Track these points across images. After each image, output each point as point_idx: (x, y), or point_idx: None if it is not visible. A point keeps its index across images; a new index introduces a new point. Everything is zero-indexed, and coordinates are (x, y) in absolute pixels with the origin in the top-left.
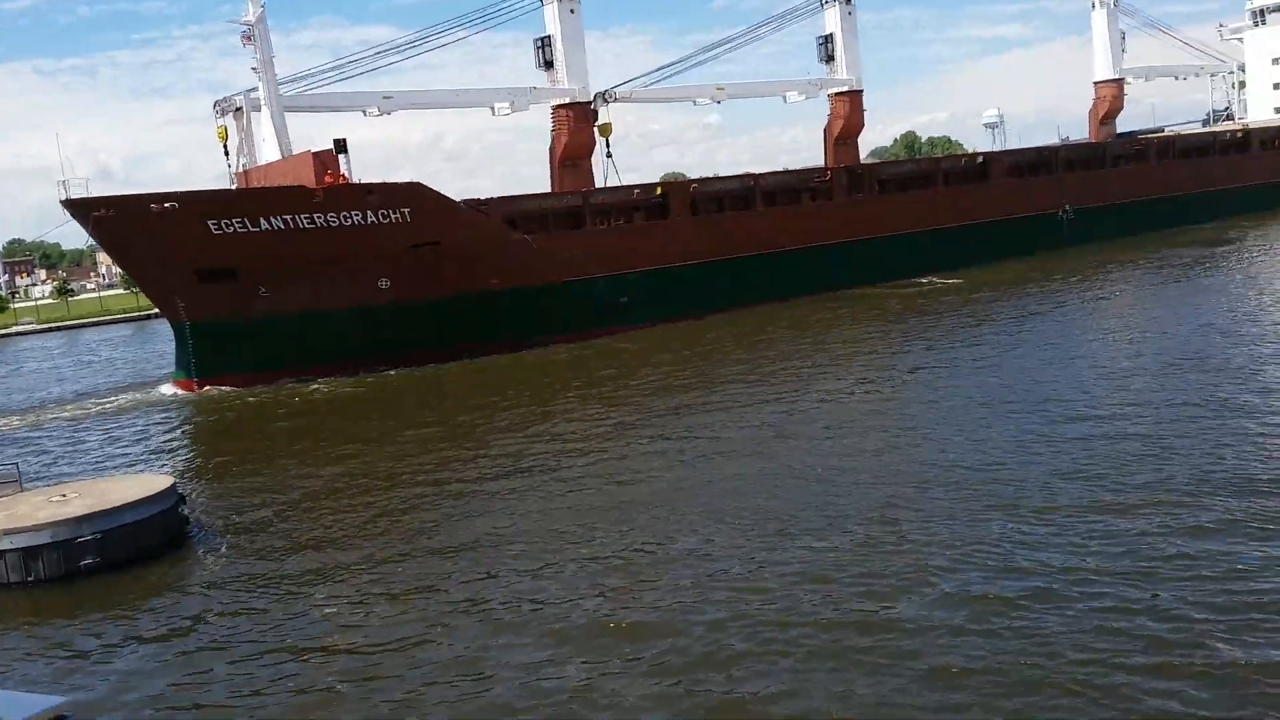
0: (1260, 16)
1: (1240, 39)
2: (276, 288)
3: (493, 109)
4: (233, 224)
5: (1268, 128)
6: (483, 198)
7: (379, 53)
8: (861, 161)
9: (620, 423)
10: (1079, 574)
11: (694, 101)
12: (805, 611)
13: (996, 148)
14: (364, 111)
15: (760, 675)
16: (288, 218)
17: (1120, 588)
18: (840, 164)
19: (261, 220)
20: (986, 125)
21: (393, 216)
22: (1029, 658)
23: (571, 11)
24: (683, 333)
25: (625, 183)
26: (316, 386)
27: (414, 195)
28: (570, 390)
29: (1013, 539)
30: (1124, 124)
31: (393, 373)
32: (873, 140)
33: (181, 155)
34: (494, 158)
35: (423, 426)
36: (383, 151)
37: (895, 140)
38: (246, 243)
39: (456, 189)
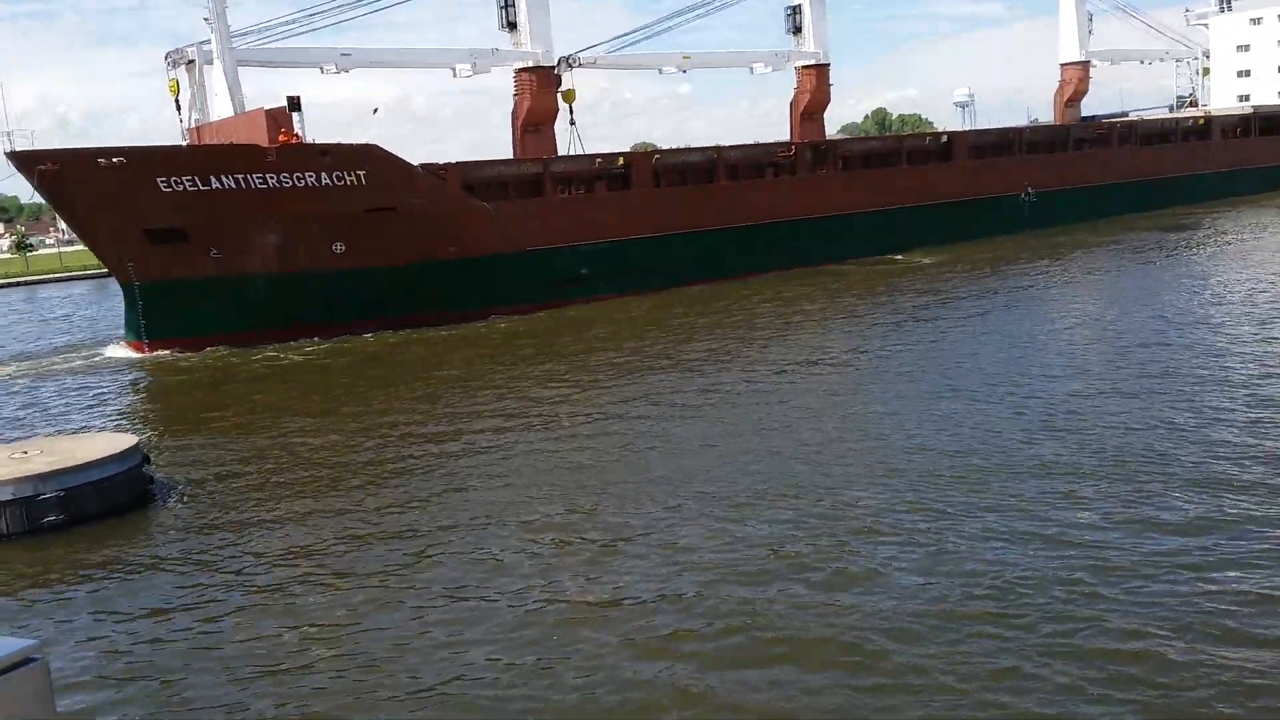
0: (1226, 2)
1: (1206, 24)
2: (229, 249)
3: (454, 70)
4: (183, 182)
5: (1229, 115)
6: (440, 162)
7: (339, 6)
8: (829, 137)
9: (585, 392)
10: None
11: (660, 70)
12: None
13: (967, 127)
14: (321, 68)
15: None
16: (240, 177)
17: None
18: (806, 139)
19: (213, 179)
20: (957, 104)
21: (348, 179)
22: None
23: None
24: (644, 306)
25: (591, 151)
26: (272, 352)
27: (369, 158)
28: (521, 364)
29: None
30: (1093, 108)
31: (349, 339)
32: (844, 116)
33: (143, 109)
34: (466, 121)
35: (375, 392)
36: (352, 111)
37: (866, 117)
38: (198, 202)
39: (425, 153)
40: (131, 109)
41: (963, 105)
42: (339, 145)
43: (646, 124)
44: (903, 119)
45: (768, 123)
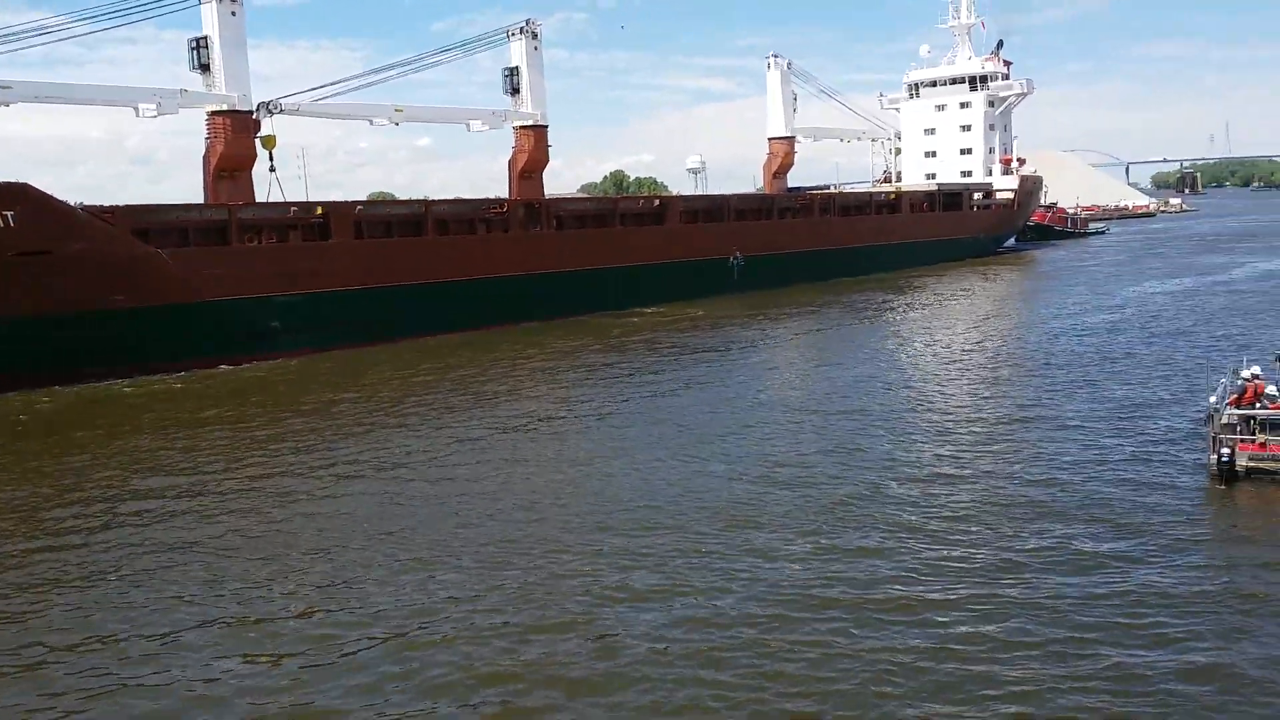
0: (915, 90)
1: (898, 109)
2: None
3: (136, 109)
4: None
5: (916, 191)
6: (107, 204)
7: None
8: (547, 195)
9: (255, 463)
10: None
11: (370, 121)
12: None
13: (698, 191)
14: None
15: None
16: None
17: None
18: (523, 197)
19: None
20: (689, 170)
21: None
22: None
23: (233, 14)
24: (335, 362)
25: (312, 199)
26: None
27: (19, 198)
28: (178, 424)
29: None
30: (810, 179)
31: None
32: (584, 175)
33: None
34: (188, 162)
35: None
36: (59, 146)
37: (605, 177)
38: None
39: (140, 194)
40: None
41: (694, 171)
42: None
43: (383, 174)
44: (639, 181)
45: (505, 179)
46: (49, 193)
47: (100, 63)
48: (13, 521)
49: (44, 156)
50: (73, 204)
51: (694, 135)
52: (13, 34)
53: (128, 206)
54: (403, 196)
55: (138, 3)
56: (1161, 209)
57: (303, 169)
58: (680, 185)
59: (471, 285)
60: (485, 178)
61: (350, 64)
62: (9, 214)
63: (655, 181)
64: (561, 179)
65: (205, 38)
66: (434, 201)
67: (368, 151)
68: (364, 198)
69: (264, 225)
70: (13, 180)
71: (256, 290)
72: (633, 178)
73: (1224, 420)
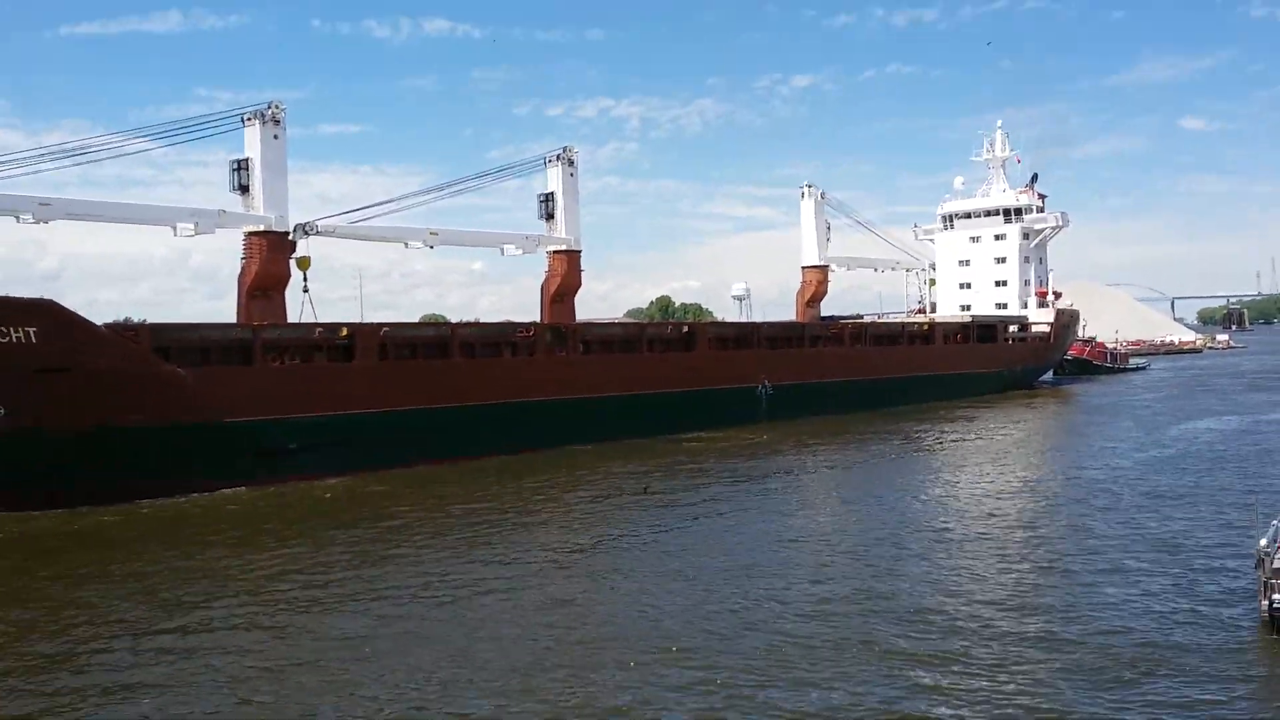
0: (949, 221)
1: (933, 240)
2: None
3: (174, 229)
4: None
5: (950, 322)
6: (135, 321)
7: (46, 154)
8: (590, 319)
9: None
10: None
11: (405, 244)
12: None
13: (744, 319)
14: (17, 218)
15: None
16: None
17: None
18: (554, 321)
19: None
20: (735, 297)
21: (13, 335)
22: None
23: (275, 137)
24: (351, 487)
25: (367, 319)
26: None
27: (41, 314)
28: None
29: None
30: (855, 308)
31: None
32: (631, 300)
33: None
34: None
35: None
36: (119, 263)
37: (651, 303)
38: None
39: (199, 310)
40: None
41: (739, 298)
42: (7, 298)
43: (436, 295)
44: (684, 307)
45: None
46: (74, 310)
47: (171, 183)
48: None
49: (116, 272)
50: (99, 323)
51: (739, 262)
52: (49, 153)
53: (156, 325)
54: (455, 318)
55: (186, 126)
56: (1209, 345)
57: (359, 289)
58: (726, 312)
59: (496, 409)
60: (534, 301)
61: (410, 189)
62: (30, 329)
63: (700, 308)
64: (609, 302)
65: (247, 160)
66: (460, 324)
67: (422, 274)
68: (416, 319)
69: (289, 345)
70: (39, 297)
71: (276, 412)
72: (678, 303)
73: (1275, 565)
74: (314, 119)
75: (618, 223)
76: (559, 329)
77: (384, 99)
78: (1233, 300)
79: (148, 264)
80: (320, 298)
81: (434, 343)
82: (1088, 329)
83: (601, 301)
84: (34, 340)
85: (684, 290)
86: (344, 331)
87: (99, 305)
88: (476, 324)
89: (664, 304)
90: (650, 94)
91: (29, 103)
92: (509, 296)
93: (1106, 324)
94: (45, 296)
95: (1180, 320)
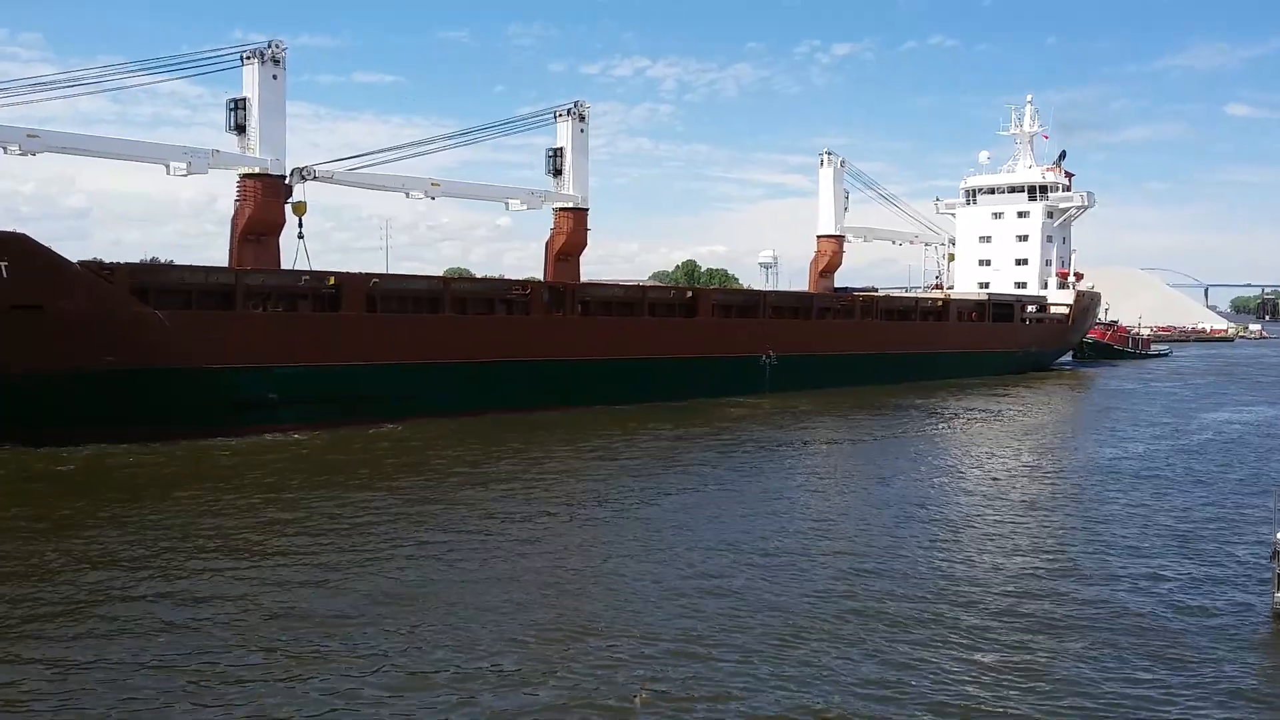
0: (972, 196)
1: (953, 214)
2: None
3: (167, 167)
4: None
5: (966, 299)
6: (109, 260)
7: (36, 84)
8: (610, 279)
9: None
10: None
11: (406, 193)
12: None
13: (769, 286)
14: (4, 149)
15: None
16: None
17: None
18: (556, 280)
19: None
20: (762, 264)
21: None
22: None
23: (274, 78)
24: (331, 441)
25: (401, 271)
26: None
27: (13, 249)
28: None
29: None
30: (881, 281)
31: None
32: (656, 263)
33: None
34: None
35: None
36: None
37: (677, 266)
38: None
39: (222, 253)
40: None
41: (766, 265)
42: None
43: (461, 250)
44: (710, 272)
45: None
46: (45, 244)
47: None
48: None
49: (144, 213)
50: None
51: (767, 229)
52: (41, 84)
53: (134, 264)
54: (479, 273)
55: (184, 62)
56: (1241, 334)
57: (385, 239)
58: (752, 278)
59: (486, 367)
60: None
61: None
62: (2, 264)
63: (726, 273)
64: (635, 264)
65: (244, 99)
66: (454, 279)
67: (448, 227)
68: (440, 272)
69: (272, 293)
70: (9, 230)
71: (256, 360)
72: (704, 268)
73: None
74: (349, 67)
75: (648, 185)
76: (557, 288)
77: (418, 49)
78: (1268, 290)
79: (173, 206)
80: (345, 246)
81: (425, 296)
82: (1117, 313)
83: (627, 263)
84: (4, 275)
85: (711, 255)
86: (331, 280)
87: (125, 246)
88: (470, 278)
89: (689, 268)
90: (687, 54)
91: (61, 37)
92: (532, 254)
93: (1137, 308)
94: (64, 235)
95: (1213, 308)
